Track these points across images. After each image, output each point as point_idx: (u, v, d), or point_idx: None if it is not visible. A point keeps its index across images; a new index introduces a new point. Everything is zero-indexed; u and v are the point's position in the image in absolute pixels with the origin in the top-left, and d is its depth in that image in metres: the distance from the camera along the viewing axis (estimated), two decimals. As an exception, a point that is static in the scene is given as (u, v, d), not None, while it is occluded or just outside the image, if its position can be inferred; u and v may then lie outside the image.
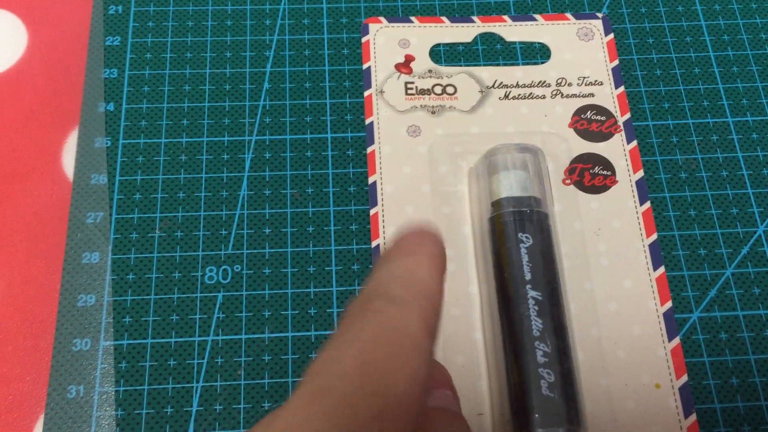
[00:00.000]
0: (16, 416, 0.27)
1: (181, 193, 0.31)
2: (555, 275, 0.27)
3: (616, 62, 0.34)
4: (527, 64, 0.34)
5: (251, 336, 0.28)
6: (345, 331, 0.17)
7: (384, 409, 0.15)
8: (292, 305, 0.29)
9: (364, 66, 0.34)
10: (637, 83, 0.34)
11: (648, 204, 0.31)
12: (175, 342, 0.28)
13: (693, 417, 0.27)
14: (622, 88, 0.33)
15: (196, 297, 0.29)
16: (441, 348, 0.28)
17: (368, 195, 0.31)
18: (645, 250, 0.30)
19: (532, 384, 0.25)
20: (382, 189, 0.31)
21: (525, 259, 0.27)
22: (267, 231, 0.30)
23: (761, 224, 0.31)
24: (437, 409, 0.19)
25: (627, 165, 0.31)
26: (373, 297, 0.18)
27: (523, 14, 0.35)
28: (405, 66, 0.34)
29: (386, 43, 0.34)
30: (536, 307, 0.26)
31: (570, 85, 0.33)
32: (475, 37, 0.35)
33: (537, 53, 0.34)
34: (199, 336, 0.28)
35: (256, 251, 0.30)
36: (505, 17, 0.35)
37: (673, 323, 0.28)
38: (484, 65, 0.34)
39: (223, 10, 0.35)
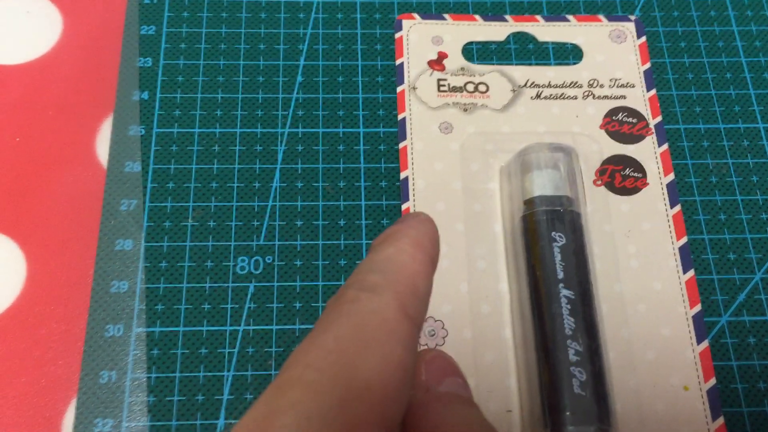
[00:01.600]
0: (49, 400, 0.27)
1: (214, 183, 0.31)
2: (587, 275, 0.27)
3: (648, 65, 0.34)
4: (559, 64, 0.34)
5: (282, 327, 0.29)
6: (319, 324, 0.17)
7: (348, 395, 0.15)
8: (323, 297, 0.29)
9: (397, 62, 0.34)
10: (669, 86, 0.34)
11: (678, 207, 0.31)
12: (206, 330, 0.28)
13: (721, 420, 0.27)
14: (653, 91, 0.33)
15: (228, 287, 0.29)
16: (471, 345, 0.28)
17: (400, 190, 0.31)
18: (675, 253, 0.30)
19: (564, 382, 0.25)
20: (413, 185, 0.31)
21: (558, 258, 0.27)
22: (299, 223, 0.30)
23: (790, 230, 0.31)
24: (448, 394, 0.19)
25: (658, 168, 0.31)
26: (347, 288, 0.18)
27: (555, 15, 0.35)
28: (438, 63, 0.34)
29: (419, 39, 0.34)
30: (568, 306, 0.26)
31: (602, 86, 0.33)
32: (508, 36, 0.35)
33: (569, 54, 0.34)
34: (231, 325, 0.29)
35: (287, 243, 0.30)
36: (538, 17, 0.35)
37: (702, 326, 0.28)
38: (517, 64, 0.34)
39: (258, 2, 0.35)
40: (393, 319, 0.17)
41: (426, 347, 0.28)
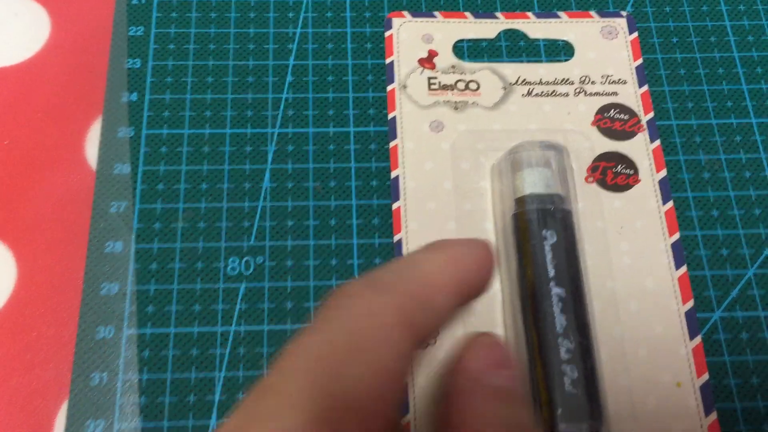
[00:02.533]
0: (40, 402, 0.27)
1: (204, 184, 0.31)
2: (578, 273, 0.27)
3: (640, 61, 0.34)
4: (551, 61, 0.34)
5: (273, 327, 0.29)
6: (314, 320, 0.16)
7: (327, 409, 0.14)
8: (314, 297, 0.29)
9: (387, 60, 0.34)
10: (661, 82, 0.34)
11: (671, 203, 0.31)
12: (197, 332, 0.28)
13: (713, 415, 0.27)
14: (645, 87, 0.33)
15: (219, 287, 0.29)
16: (462, 343, 0.28)
17: (390, 189, 0.31)
18: (667, 250, 0.30)
19: (556, 380, 0.25)
20: (404, 184, 0.31)
21: (549, 256, 0.27)
22: (290, 223, 0.30)
23: (783, 226, 0.31)
24: (496, 389, 0.17)
25: (650, 164, 0.31)
26: (358, 279, 0.17)
27: (546, 11, 0.35)
28: (428, 61, 0.34)
29: (409, 37, 0.34)
30: (560, 304, 0.26)
31: (593, 83, 0.33)
32: (499, 34, 0.35)
33: (560, 50, 0.34)
34: (222, 326, 0.28)
35: (278, 243, 0.30)
36: (529, 14, 0.35)
37: (694, 322, 0.28)
38: (508, 62, 0.34)
39: (247, 2, 0.35)
40: (390, 324, 0.16)
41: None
